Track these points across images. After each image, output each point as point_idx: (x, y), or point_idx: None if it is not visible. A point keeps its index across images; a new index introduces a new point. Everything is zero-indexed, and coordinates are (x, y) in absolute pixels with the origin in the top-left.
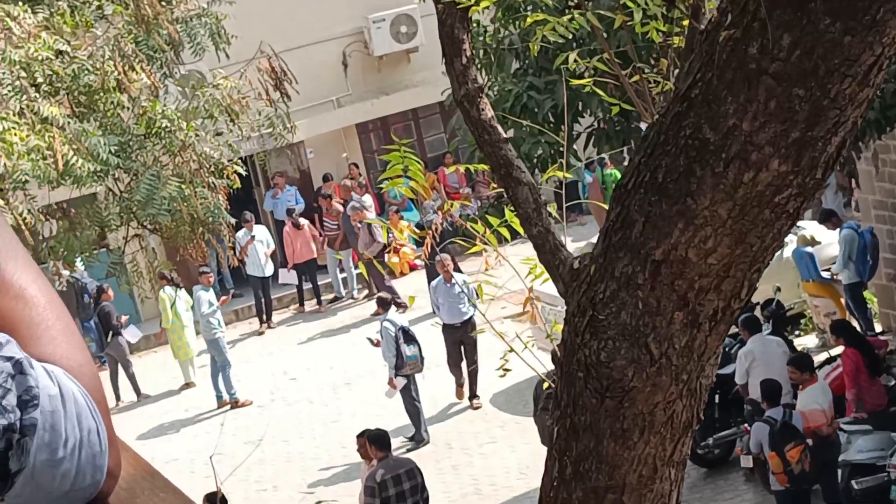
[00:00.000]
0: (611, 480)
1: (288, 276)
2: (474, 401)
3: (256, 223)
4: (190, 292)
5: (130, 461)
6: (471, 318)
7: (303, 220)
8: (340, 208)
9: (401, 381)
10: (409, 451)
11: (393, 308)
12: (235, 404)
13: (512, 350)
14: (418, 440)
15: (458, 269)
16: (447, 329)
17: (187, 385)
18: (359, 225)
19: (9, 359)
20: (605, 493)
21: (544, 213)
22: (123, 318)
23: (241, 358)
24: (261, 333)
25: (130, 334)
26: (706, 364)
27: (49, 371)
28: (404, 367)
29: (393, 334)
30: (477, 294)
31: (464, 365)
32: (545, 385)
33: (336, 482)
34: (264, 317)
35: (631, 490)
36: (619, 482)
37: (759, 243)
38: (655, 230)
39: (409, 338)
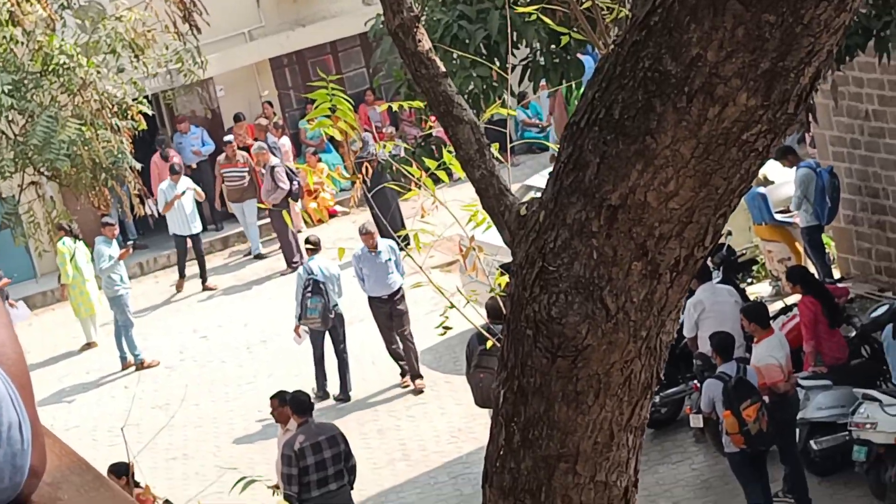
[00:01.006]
0: (563, 448)
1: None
2: (417, 381)
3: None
4: (91, 245)
5: (57, 452)
6: (400, 288)
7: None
8: (246, 155)
9: (304, 333)
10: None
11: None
12: (141, 365)
13: (452, 306)
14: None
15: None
16: (374, 302)
17: (89, 345)
18: (262, 170)
19: None
20: (557, 462)
21: (488, 154)
22: (3, 283)
23: (150, 317)
24: (179, 290)
25: (19, 315)
26: (667, 319)
27: None
28: (303, 319)
29: (302, 282)
30: (413, 244)
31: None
32: (489, 344)
33: (251, 449)
34: (200, 278)
35: (585, 458)
36: (572, 450)
37: (725, 185)
38: (611, 172)
39: (317, 290)
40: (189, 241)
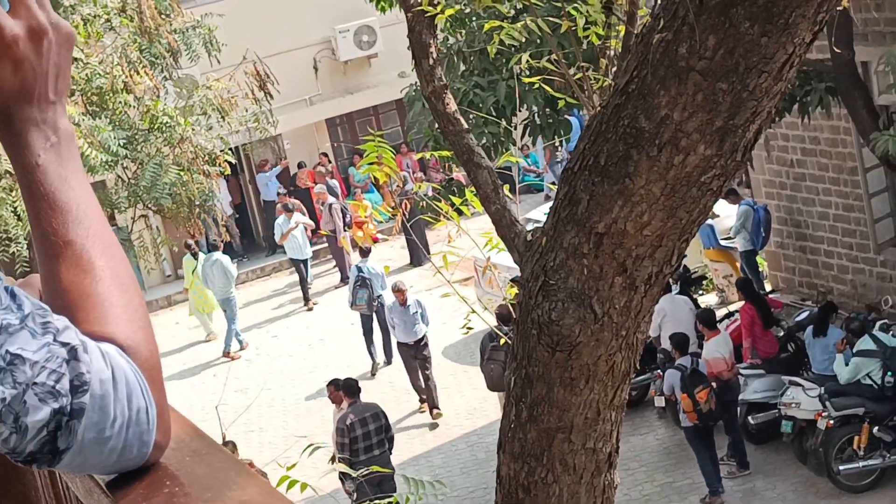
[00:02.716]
0: (560, 422)
1: None
2: (434, 411)
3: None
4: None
5: (180, 424)
6: (424, 335)
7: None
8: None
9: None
10: (373, 374)
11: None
12: (227, 355)
13: (473, 311)
14: (373, 368)
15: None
16: (402, 347)
17: (209, 337)
18: (321, 207)
19: (65, 345)
20: (556, 433)
21: (501, 192)
22: None
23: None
24: (310, 310)
25: None
26: (642, 321)
27: (104, 352)
28: (354, 306)
29: (354, 278)
30: (443, 263)
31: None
32: (502, 341)
33: (312, 424)
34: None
35: (578, 430)
36: (567, 423)
37: (688, 217)
38: (598, 207)
39: (364, 284)
40: (302, 264)
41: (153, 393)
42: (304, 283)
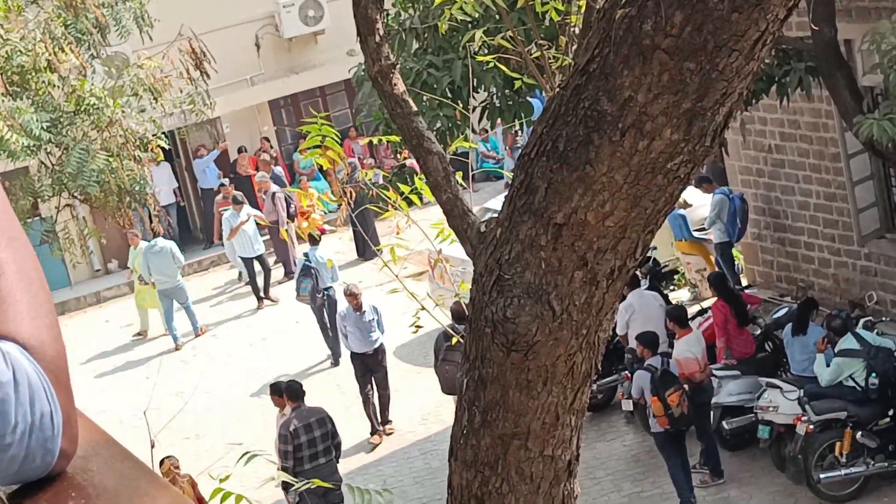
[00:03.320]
0: (516, 428)
1: None
2: (386, 426)
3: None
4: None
5: (89, 430)
6: (381, 345)
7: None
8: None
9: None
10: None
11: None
12: (197, 335)
13: (423, 308)
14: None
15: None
16: (356, 358)
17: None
18: (263, 195)
19: None
20: (512, 440)
21: (453, 180)
22: None
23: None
24: (260, 308)
25: None
26: (604, 319)
27: (4, 352)
28: (298, 296)
29: (300, 266)
30: (390, 256)
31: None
32: (454, 340)
33: (253, 430)
34: (261, 293)
35: (535, 436)
36: (524, 429)
37: (653, 206)
38: (557, 195)
39: (308, 273)
40: (256, 261)
41: (59, 396)
42: (255, 281)
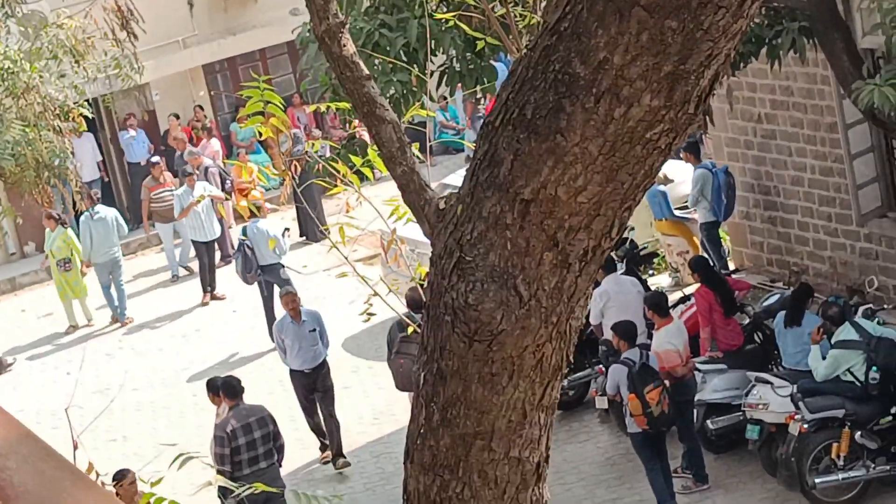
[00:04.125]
0: (479, 426)
1: None
2: (339, 460)
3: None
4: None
5: (5, 426)
6: (324, 361)
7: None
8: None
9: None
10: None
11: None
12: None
13: (376, 294)
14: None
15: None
16: (296, 376)
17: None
18: (197, 171)
19: None
20: (474, 440)
21: (409, 152)
22: None
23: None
24: (205, 304)
25: None
26: (576, 305)
27: None
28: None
29: (238, 241)
30: (339, 237)
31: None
32: (410, 330)
33: (187, 431)
34: (208, 287)
35: (500, 436)
36: (487, 428)
37: (631, 181)
38: (524, 168)
39: (240, 249)
40: (205, 247)
41: None
42: (205, 269)
